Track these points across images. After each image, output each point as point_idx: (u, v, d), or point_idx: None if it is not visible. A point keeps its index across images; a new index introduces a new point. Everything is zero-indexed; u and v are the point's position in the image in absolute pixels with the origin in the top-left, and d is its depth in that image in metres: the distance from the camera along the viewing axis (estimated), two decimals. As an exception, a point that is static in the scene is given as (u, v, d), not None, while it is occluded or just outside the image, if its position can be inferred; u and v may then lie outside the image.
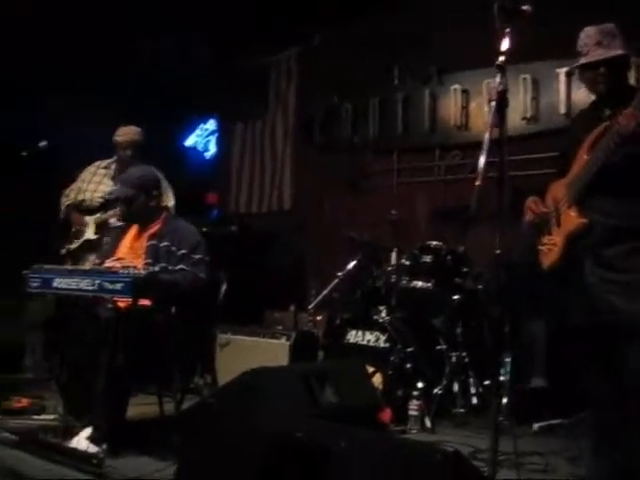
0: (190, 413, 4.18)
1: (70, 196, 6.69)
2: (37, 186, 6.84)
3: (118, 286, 4.39)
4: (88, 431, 4.56)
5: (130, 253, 5.12)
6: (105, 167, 6.73)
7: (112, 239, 5.65)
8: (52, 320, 5.34)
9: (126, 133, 6.55)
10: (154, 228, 5.20)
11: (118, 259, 5.09)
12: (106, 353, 4.45)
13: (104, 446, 4.38)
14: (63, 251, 6.55)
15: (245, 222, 8.93)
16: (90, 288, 4.50)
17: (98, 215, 6.49)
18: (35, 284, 4.81)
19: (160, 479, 4.20)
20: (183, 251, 5.07)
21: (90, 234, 6.47)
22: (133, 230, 5.35)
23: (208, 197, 9.83)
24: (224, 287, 5.39)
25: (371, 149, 8.63)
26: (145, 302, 4.70)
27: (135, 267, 4.55)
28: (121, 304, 4.55)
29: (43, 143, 6.01)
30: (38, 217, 6.65)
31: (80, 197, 6.63)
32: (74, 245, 6.46)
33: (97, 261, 5.56)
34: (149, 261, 5.02)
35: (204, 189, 9.72)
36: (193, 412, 4.10)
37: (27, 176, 5.95)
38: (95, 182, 6.67)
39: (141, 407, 5.21)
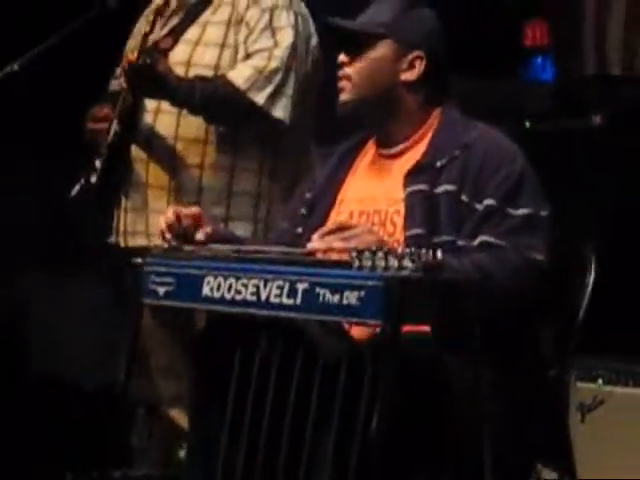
0: None
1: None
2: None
3: (351, 298, 2.19)
4: None
5: (361, 207, 2.61)
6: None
7: (323, 172, 2.75)
8: (201, 366, 2.44)
9: None
10: (415, 149, 2.61)
11: (340, 228, 2.38)
12: (332, 439, 2.25)
13: None
14: (74, 190, 3.17)
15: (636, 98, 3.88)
16: (286, 302, 2.22)
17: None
18: (162, 289, 2.40)
19: None
20: (489, 202, 2.56)
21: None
22: (367, 154, 2.66)
23: (526, 34, 4.53)
24: (589, 278, 2.56)
25: None
26: (416, 328, 2.39)
27: (391, 248, 2.19)
28: (359, 332, 2.44)
29: None
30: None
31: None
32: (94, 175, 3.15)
33: (283, 225, 2.76)
34: (417, 231, 2.51)
35: (514, 16, 4.48)
36: None
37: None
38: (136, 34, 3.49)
39: None
